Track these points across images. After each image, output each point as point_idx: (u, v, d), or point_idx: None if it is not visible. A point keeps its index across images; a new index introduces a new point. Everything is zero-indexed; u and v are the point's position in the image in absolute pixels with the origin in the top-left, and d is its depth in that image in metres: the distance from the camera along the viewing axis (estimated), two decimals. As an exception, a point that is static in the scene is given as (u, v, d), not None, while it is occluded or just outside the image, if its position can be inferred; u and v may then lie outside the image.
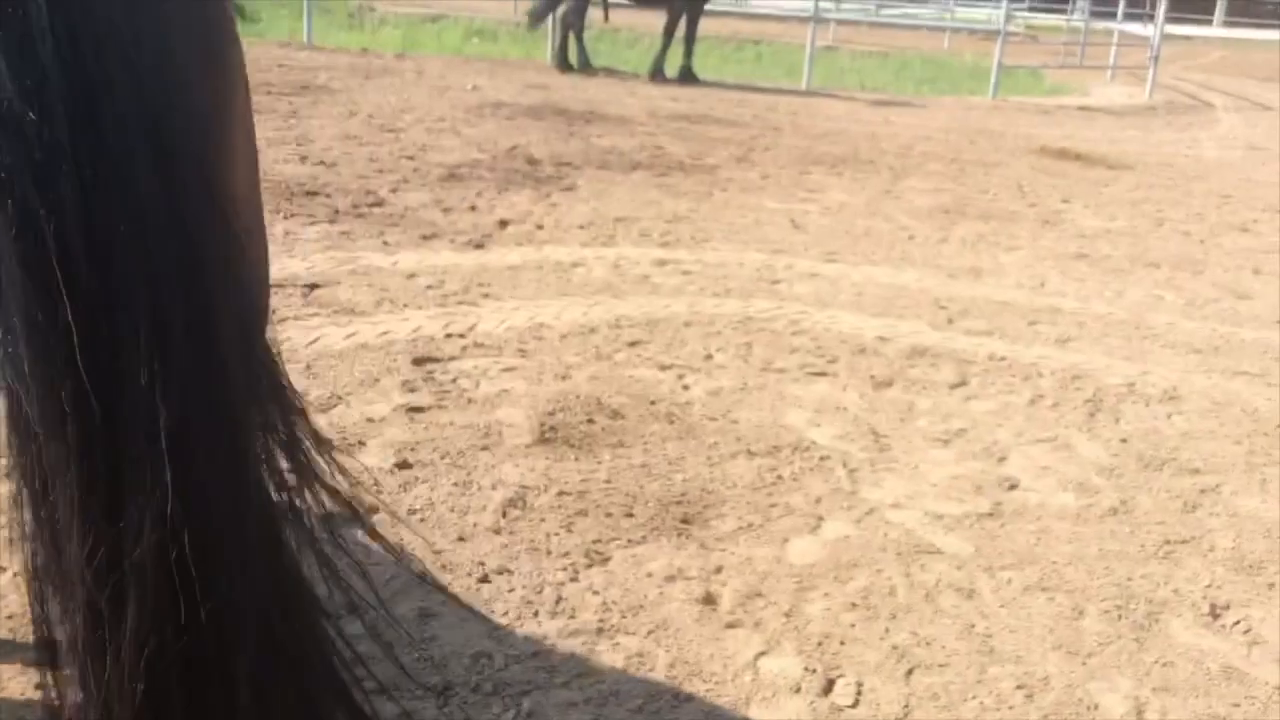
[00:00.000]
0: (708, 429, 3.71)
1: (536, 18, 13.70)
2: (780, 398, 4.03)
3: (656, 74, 13.18)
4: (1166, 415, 4.15)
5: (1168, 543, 3.20)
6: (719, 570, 2.86)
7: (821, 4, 17.83)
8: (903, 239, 6.50)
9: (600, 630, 2.57)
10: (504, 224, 6.08)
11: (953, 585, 2.88)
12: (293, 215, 5.90)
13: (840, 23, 20.97)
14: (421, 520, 2.99)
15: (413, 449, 3.40)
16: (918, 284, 5.60)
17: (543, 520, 3.04)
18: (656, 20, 13.28)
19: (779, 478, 3.40)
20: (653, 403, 3.88)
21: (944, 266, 5.97)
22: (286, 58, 12.62)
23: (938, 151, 9.70)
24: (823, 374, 4.31)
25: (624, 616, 2.63)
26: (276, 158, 7.20)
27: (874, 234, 6.57)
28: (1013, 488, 3.47)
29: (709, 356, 4.38)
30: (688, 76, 13.18)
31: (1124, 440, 3.89)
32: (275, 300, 4.57)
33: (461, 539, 2.92)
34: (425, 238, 5.70)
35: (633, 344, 4.44)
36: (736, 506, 3.20)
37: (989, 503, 3.36)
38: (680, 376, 4.14)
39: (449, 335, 4.37)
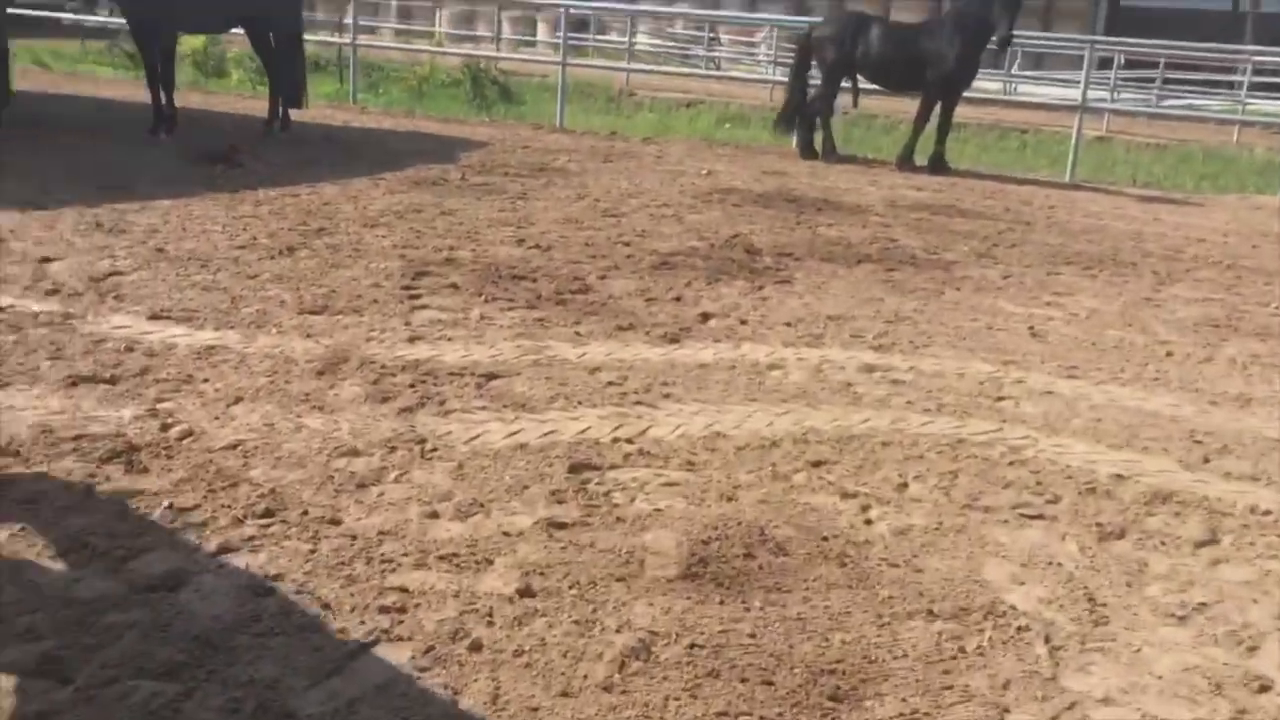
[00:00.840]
0: (885, 578, 3.17)
1: (801, 122, 13.16)
2: (981, 544, 3.44)
3: (904, 162, 12.63)
4: None
5: None
6: (862, 771, 2.34)
7: (1095, 93, 16.78)
8: (1159, 355, 5.70)
9: (697, 840, 2.11)
10: (706, 317, 5.73)
11: (1168, 828, 2.24)
12: (494, 299, 5.77)
13: (1116, 113, 19.65)
14: (526, 665, 2.62)
15: (542, 573, 3.05)
16: (1171, 411, 4.83)
17: (665, 679, 2.61)
18: (914, 106, 12.74)
19: (961, 650, 2.83)
20: (825, 539, 3.38)
21: (1205, 391, 5.15)
22: (534, 139, 12.91)
23: (1212, 255, 8.67)
24: (1039, 517, 3.67)
25: (730, 824, 2.16)
26: (493, 239, 7.18)
27: (1125, 348, 5.80)
28: (1264, 689, 2.75)
29: (903, 485, 3.83)
30: (939, 165, 12.54)
31: None
32: (448, 389, 4.39)
33: (565, 694, 2.52)
34: (620, 329, 5.42)
35: (817, 464, 3.95)
36: (902, 684, 2.66)
37: (1230, 708, 2.66)
38: (864, 508, 3.62)
39: (616, 440, 4.03)
